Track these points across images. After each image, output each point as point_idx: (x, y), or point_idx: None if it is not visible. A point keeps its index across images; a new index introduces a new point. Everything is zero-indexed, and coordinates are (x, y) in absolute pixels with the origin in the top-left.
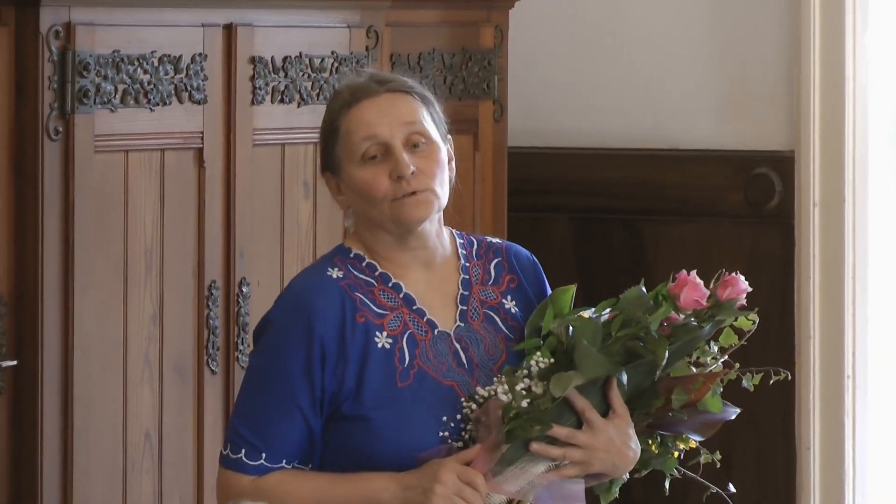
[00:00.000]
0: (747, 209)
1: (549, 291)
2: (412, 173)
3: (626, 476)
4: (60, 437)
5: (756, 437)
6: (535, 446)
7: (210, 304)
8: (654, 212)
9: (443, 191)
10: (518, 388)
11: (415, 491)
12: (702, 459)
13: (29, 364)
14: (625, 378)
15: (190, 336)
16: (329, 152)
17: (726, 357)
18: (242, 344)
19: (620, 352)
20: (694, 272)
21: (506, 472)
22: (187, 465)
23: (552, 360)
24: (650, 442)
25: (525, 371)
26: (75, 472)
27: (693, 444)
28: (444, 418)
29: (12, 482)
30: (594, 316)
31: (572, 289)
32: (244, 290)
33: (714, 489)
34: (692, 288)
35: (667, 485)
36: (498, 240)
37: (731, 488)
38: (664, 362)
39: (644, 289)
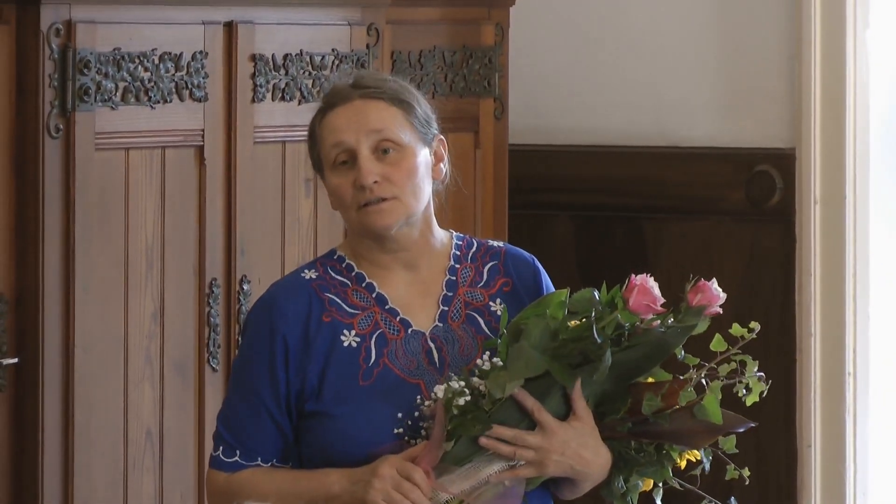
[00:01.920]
0: (748, 207)
1: None
2: (375, 182)
3: (643, 485)
4: (61, 435)
5: (757, 435)
6: (484, 440)
7: (211, 301)
8: (655, 209)
9: (415, 197)
10: (456, 385)
11: (359, 485)
12: (727, 475)
13: (30, 362)
14: (570, 381)
15: (191, 334)
16: (313, 155)
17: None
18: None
19: (573, 354)
20: (649, 276)
21: (458, 470)
22: (188, 463)
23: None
24: (643, 449)
25: (476, 370)
26: (76, 469)
27: (697, 456)
28: (400, 415)
29: (13, 480)
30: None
31: (565, 293)
32: (245, 287)
33: (713, 501)
34: (642, 292)
35: (658, 497)
36: (500, 243)
37: (734, 502)
38: (607, 363)
39: (597, 292)
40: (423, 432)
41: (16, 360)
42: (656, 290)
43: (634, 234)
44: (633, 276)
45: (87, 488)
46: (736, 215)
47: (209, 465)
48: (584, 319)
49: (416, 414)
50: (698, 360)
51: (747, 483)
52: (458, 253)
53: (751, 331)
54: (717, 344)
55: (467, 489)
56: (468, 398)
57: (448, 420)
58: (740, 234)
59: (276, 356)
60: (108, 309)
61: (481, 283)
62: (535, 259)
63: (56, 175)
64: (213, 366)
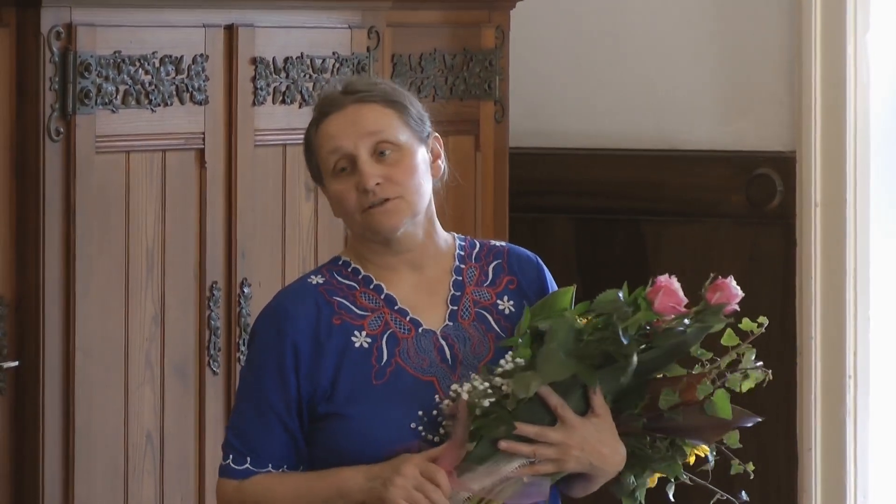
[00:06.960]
0: (749, 209)
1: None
2: (377, 184)
3: (649, 482)
4: (62, 439)
5: (757, 438)
6: (503, 444)
7: (211, 304)
8: (655, 212)
9: (418, 195)
10: (480, 387)
11: (377, 481)
12: (732, 470)
13: (30, 365)
14: (595, 381)
15: (191, 337)
16: (311, 166)
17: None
18: (244, 345)
19: (595, 354)
20: (672, 277)
21: (477, 469)
22: (188, 466)
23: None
24: (655, 444)
25: (500, 369)
26: (77, 473)
27: (706, 451)
28: (420, 412)
29: (14, 483)
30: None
31: (571, 290)
32: (245, 290)
33: (724, 496)
34: (667, 293)
35: (671, 492)
36: (502, 243)
37: (744, 496)
38: (633, 366)
39: (621, 293)
40: (442, 430)
41: (16, 363)
42: (681, 292)
43: (635, 236)
44: (658, 277)
45: (87, 492)
46: (736, 218)
47: (219, 474)
48: (598, 317)
49: (435, 412)
50: (711, 354)
51: (752, 478)
52: (462, 253)
53: (760, 325)
54: (729, 339)
55: (488, 486)
56: (492, 399)
57: (471, 420)
58: (740, 236)
59: (286, 361)
60: (108, 312)
61: (487, 283)
62: (538, 257)
63: (56, 178)
64: (214, 369)
